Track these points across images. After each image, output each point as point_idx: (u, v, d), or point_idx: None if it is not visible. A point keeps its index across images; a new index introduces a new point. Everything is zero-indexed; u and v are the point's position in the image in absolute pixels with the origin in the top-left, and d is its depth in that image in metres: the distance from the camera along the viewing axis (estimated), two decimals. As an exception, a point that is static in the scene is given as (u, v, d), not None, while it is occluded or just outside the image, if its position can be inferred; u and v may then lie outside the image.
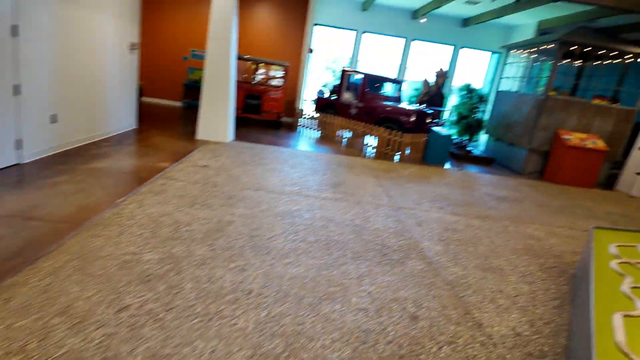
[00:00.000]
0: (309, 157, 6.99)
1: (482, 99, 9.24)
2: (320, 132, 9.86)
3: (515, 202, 6.01)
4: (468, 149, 10.02)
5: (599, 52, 8.10)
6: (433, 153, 8.34)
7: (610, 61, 8.61)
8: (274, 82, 9.87)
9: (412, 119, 8.58)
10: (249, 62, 9.73)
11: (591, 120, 8.28)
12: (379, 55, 12.88)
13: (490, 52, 12.43)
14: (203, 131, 7.23)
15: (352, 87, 9.66)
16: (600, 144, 7.97)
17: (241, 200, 4.23)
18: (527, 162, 8.56)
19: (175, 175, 4.82)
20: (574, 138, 7.97)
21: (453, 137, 10.86)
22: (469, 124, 9.42)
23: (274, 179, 5.25)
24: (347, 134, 9.45)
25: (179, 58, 11.34)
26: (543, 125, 8.24)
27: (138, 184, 4.35)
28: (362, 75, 9.34)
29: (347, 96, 9.67)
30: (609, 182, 8.73)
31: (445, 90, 10.23)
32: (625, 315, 1.98)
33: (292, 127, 10.33)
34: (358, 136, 8.98)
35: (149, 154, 5.74)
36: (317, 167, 6.35)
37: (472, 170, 8.30)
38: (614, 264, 2.69)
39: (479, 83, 13.07)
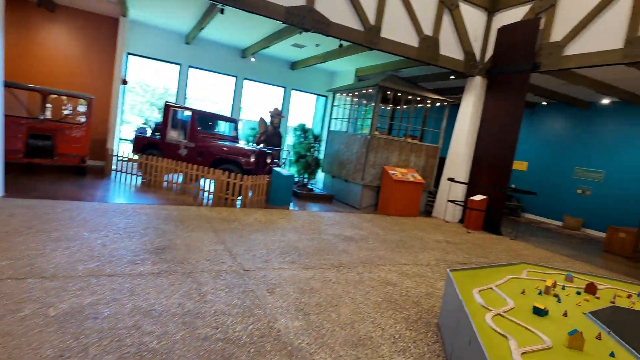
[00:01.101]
0: (123, 213, 5.41)
1: (317, 138, 9.37)
2: (142, 177, 8.17)
3: (362, 240, 5.87)
4: (309, 187, 9.95)
5: (408, 97, 9.25)
6: (277, 194, 7.80)
7: (415, 105, 9.97)
8: (73, 118, 7.79)
9: (252, 159, 7.92)
10: (33, 93, 7.42)
11: (408, 156, 9.27)
12: (210, 93, 12.03)
13: (316, 95, 13.14)
14: (-59, 188, 4.80)
15: (179, 124, 8.42)
16: (418, 177, 8.93)
17: (-18, 306, 2.56)
18: (363, 197, 8.91)
19: None
20: (397, 173, 8.69)
21: (294, 177, 10.71)
22: (307, 163, 9.37)
23: (59, 255, 3.60)
24: (178, 179, 8.07)
25: None
26: (372, 162, 8.76)
27: None
28: (190, 112, 8.25)
29: (173, 135, 8.36)
30: (428, 210, 9.88)
31: (281, 130, 10.06)
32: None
33: (103, 173, 8.28)
34: (191, 181, 7.74)
35: None
36: (133, 226, 4.87)
37: (315, 209, 8.09)
38: (489, 320, 2.39)
39: (310, 123, 13.61)
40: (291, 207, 7.91)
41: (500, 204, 8.28)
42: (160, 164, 7.93)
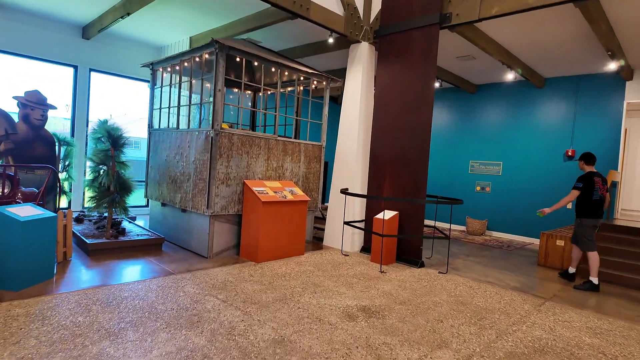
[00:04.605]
0: None
1: (117, 140, 5.29)
2: None
3: (187, 380, 2.30)
4: (121, 228, 5.83)
5: (271, 70, 6.00)
6: (12, 263, 3.59)
7: (283, 90, 6.82)
8: None
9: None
10: None
11: (282, 161, 6.02)
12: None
13: (143, 81, 8.91)
14: None
15: None
16: (298, 192, 5.74)
17: None
18: (214, 236, 5.28)
19: None
20: (268, 190, 5.35)
21: (90, 213, 6.38)
22: (105, 186, 5.25)
23: None
24: None
25: None
26: (222, 175, 5.22)
27: None
28: None
29: None
30: (317, 238, 6.81)
31: (55, 132, 5.66)
32: None
33: None
34: None
35: None
36: None
37: (116, 276, 4.13)
38: None
39: (133, 126, 9.27)
40: (69, 284, 3.80)
41: (418, 221, 5.66)
42: None
